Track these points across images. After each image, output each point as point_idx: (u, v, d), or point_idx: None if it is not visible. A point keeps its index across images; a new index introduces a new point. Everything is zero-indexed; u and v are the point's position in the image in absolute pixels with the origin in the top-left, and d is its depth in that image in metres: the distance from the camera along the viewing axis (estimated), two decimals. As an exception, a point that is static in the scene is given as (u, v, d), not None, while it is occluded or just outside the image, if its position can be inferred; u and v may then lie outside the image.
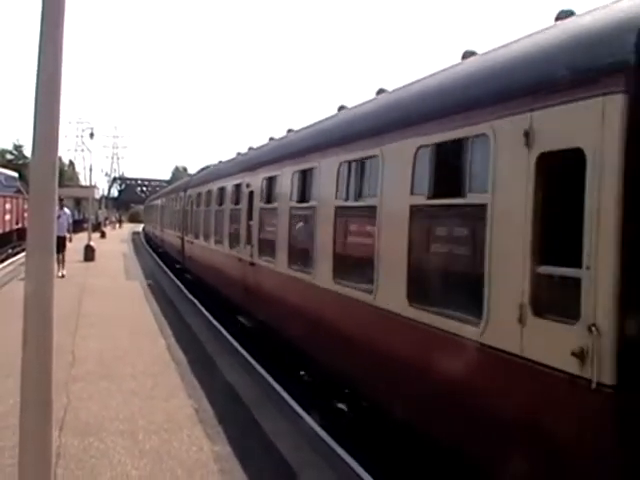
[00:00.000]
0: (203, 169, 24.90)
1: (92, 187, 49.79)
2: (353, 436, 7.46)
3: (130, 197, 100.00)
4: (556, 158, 4.39)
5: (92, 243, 29.25)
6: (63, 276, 20.59)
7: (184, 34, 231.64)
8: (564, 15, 5.18)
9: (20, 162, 71.32)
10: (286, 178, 10.52)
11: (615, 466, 4.00)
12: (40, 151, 3.57)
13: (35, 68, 3.53)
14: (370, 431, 7.39)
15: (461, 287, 5.83)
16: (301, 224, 9.94)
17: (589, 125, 4.09)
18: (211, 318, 14.88)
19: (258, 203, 12.34)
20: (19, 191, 37.20)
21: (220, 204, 16.55)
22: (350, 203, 8.06)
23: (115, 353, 10.75)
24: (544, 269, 4.45)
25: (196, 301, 17.65)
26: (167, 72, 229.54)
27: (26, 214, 31.20)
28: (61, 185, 25.11)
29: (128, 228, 69.92)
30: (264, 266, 11.52)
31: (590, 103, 4.09)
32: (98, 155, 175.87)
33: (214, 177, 18.49)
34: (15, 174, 41.90)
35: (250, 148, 15.90)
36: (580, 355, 4.01)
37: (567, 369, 4.12)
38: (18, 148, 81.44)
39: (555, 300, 4.49)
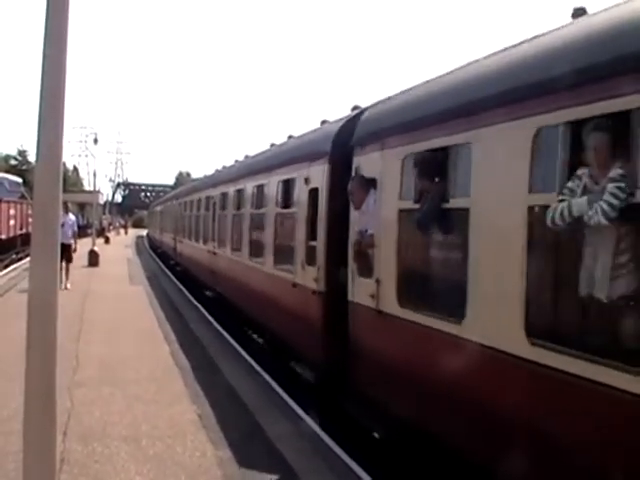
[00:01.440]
0: (194, 180, 33.33)
1: (96, 192, 49.83)
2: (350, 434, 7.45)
3: (134, 202, 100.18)
4: (313, 191, 9.27)
5: (96, 248, 29.31)
6: (67, 289, 18.47)
7: (188, 39, 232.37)
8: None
9: (24, 167, 71.57)
10: (235, 192, 15.57)
11: (320, 323, 8.64)
12: (44, 156, 3.58)
13: (39, 74, 3.54)
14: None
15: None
16: (242, 224, 14.31)
17: (320, 175, 9.01)
18: (198, 305, 16.81)
19: (218, 211, 17.64)
20: (23, 196, 37.32)
21: (198, 211, 22.21)
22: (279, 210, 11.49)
23: (118, 358, 10.76)
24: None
25: (186, 291, 21.49)
26: (171, 77, 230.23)
27: (30, 219, 31.30)
28: (65, 190, 24.77)
29: (132, 233, 70.01)
30: (221, 254, 17.00)
31: (320, 165, 9.05)
32: (102, 160, 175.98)
33: (193, 191, 25.03)
34: (19, 179, 42.07)
35: (223, 167, 21.41)
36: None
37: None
38: (22, 153, 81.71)
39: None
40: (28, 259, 19.83)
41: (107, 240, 49.31)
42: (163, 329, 13.81)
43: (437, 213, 6.00)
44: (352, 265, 7.76)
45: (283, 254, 10.65)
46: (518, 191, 4.77)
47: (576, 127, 4.38)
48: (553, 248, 4.90)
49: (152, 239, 50.95)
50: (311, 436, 7.63)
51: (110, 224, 69.89)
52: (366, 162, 7.67)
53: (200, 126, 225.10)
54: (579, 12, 4.91)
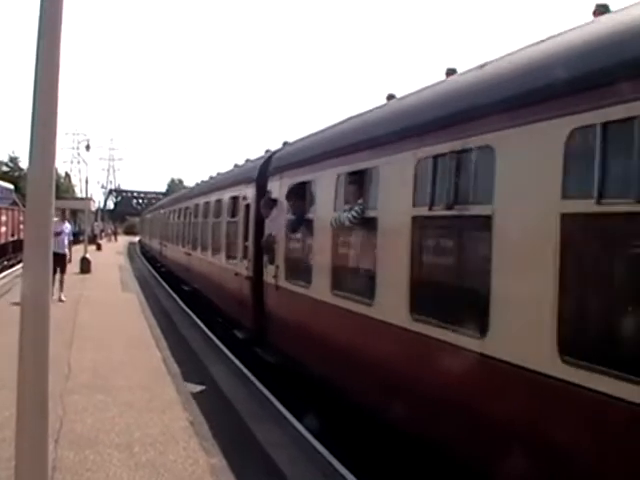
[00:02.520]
0: (184, 188, 39.84)
1: (88, 199, 49.71)
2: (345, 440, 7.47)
3: (126, 209, 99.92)
4: (247, 205, 12.97)
5: (88, 255, 29.24)
6: (62, 300, 17.67)
7: (181, 46, 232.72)
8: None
9: (16, 174, 71.29)
10: (203, 204, 19.51)
11: (250, 299, 11.86)
12: (37, 163, 3.58)
13: (32, 80, 3.54)
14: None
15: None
16: (207, 230, 18.24)
17: (251, 194, 12.55)
18: (189, 312, 17.34)
19: (191, 219, 21.68)
20: (15, 203, 37.21)
21: (177, 219, 26.28)
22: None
23: (110, 365, 10.73)
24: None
25: (177, 297, 22.27)
26: (163, 84, 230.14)
27: (22, 226, 31.22)
28: (57, 197, 24.63)
29: (124, 240, 69.85)
30: (193, 254, 20.72)
31: (251, 187, 12.61)
32: (94, 167, 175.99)
33: (175, 202, 29.84)
34: (11, 186, 41.95)
35: (196, 183, 26.43)
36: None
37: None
38: (14, 160, 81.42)
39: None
40: (20, 266, 19.83)
41: (99, 247, 49.20)
42: (155, 335, 13.80)
43: (299, 222, 9.64)
44: (265, 257, 11.28)
45: (231, 252, 14.53)
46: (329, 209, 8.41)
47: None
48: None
49: (143, 245, 53.47)
50: (297, 438, 7.66)
51: (102, 231, 69.69)
52: (272, 187, 11.32)
53: (192, 133, 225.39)
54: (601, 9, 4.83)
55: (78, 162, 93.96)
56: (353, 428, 7.61)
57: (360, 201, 7.42)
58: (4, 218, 32.14)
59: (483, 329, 5.09)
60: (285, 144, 12.45)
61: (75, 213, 60.80)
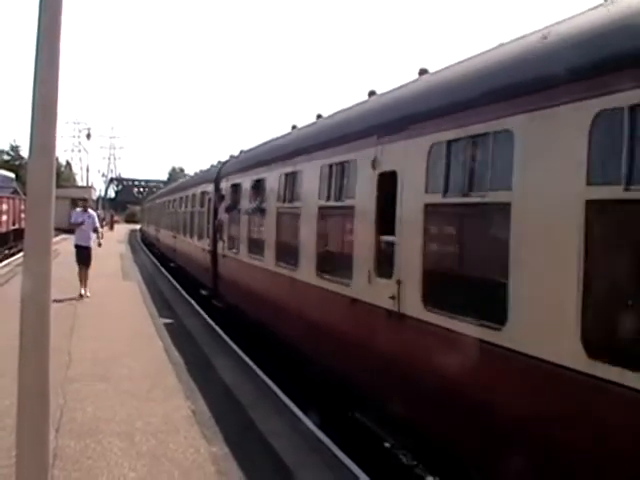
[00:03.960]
0: (182, 178, 43.42)
1: (89, 188, 49.76)
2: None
3: (127, 198, 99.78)
4: (209, 198, 18.70)
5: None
6: (87, 296, 16.51)
7: (182, 34, 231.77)
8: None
9: (17, 163, 71.18)
10: (182, 196, 25.40)
11: (211, 266, 17.11)
12: (37, 152, 3.57)
13: (32, 68, 3.52)
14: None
15: None
16: (185, 218, 23.90)
17: (211, 190, 18.05)
18: (191, 300, 17.97)
19: (177, 209, 26.92)
20: (16, 192, 37.16)
21: (168, 209, 31.09)
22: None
23: (111, 354, 10.73)
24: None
25: (178, 286, 22.80)
26: (164, 72, 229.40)
27: (23, 215, 31.21)
28: (58, 186, 24.31)
29: (124, 228, 69.71)
30: (177, 237, 25.83)
31: (211, 185, 18.05)
32: (95, 156, 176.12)
33: (167, 194, 34.60)
34: (12, 175, 41.87)
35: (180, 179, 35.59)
36: None
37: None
38: (15, 149, 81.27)
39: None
40: (21, 255, 19.88)
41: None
42: (156, 324, 13.81)
43: (234, 210, 14.31)
44: (217, 236, 16.45)
45: (200, 234, 19.68)
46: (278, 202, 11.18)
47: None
48: None
49: (143, 232, 56.34)
50: (305, 431, 7.67)
51: (103, 219, 69.63)
52: (222, 186, 16.43)
53: (194, 121, 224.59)
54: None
55: (79, 151, 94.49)
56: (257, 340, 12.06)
57: (259, 198, 12.24)
58: (5, 207, 32.10)
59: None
60: (231, 156, 18.18)
61: (76, 202, 60.89)
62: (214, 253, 16.79)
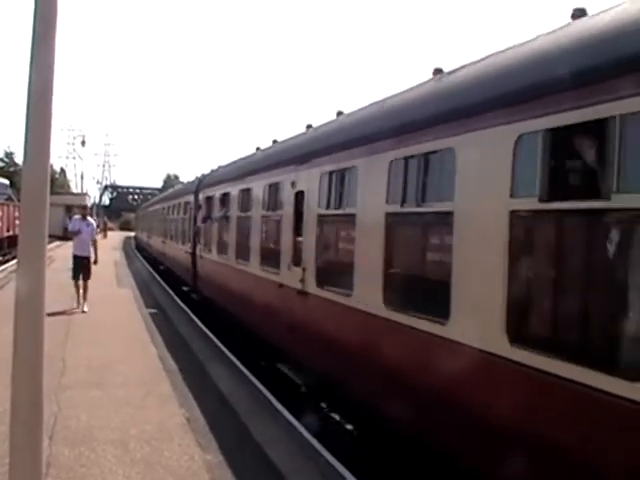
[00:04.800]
0: (176, 185, 41.72)
1: (83, 195, 49.66)
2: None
3: (122, 205, 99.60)
4: (190, 207, 21.83)
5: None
6: (84, 312, 15.34)
7: (176, 41, 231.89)
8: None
9: (11, 169, 71.06)
10: (169, 206, 28.56)
11: (191, 266, 20.04)
12: (32, 158, 3.57)
13: (27, 75, 3.53)
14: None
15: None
16: (172, 225, 27.03)
17: (192, 200, 21.16)
18: (185, 308, 16.91)
19: (165, 217, 29.89)
20: (10, 198, 37.08)
21: (158, 217, 34.03)
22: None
23: (106, 361, 10.69)
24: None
25: (172, 293, 22.87)
26: (159, 79, 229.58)
27: (17, 221, 31.13)
28: (52, 192, 24.11)
29: (120, 236, 69.56)
30: (166, 242, 28.65)
31: (192, 195, 21.29)
32: (89, 163, 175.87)
33: (157, 202, 39.01)
34: (6, 181, 41.78)
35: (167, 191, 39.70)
36: None
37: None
38: (9, 155, 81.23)
39: None
40: (15, 261, 19.84)
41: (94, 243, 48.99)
42: (150, 331, 13.78)
43: (208, 218, 17.08)
44: (197, 240, 19.17)
45: (183, 239, 23.05)
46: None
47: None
48: None
49: (137, 239, 57.45)
50: (298, 439, 7.65)
51: (98, 226, 69.51)
52: (200, 197, 19.16)
53: (188, 128, 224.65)
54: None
55: (73, 158, 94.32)
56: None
57: (225, 208, 15.28)
58: (-1, 213, 32.05)
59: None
60: (211, 170, 20.90)
61: (70, 209, 60.78)
62: (194, 255, 19.52)
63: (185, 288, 21.46)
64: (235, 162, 16.82)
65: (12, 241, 31.71)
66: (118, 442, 7.05)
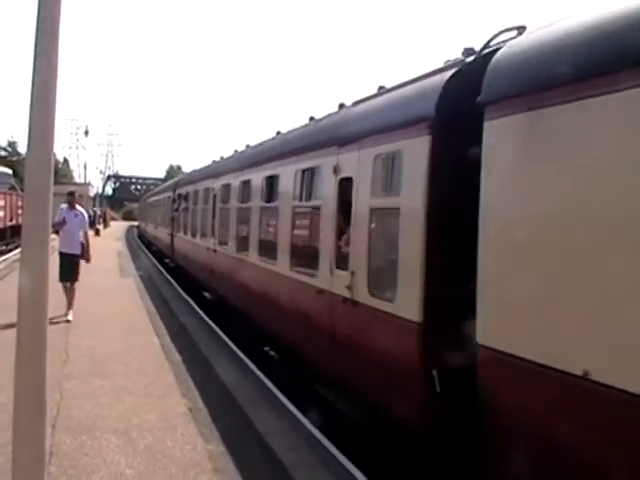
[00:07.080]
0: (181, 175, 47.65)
1: (86, 185, 49.66)
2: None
3: (124, 195, 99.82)
4: (173, 201, 28.09)
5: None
6: (68, 321, 12.75)
7: (180, 31, 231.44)
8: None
9: (14, 159, 71.04)
10: (163, 198, 34.02)
11: (170, 243, 27.59)
12: (35, 148, 3.57)
13: (31, 65, 3.52)
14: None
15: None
16: (160, 214, 34.63)
17: (173, 194, 29.04)
18: (188, 299, 16.96)
19: (156, 207, 37.76)
20: (13, 188, 37.15)
21: (153, 207, 40.40)
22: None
23: (108, 350, 10.73)
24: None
25: (175, 284, 22.32)
26: (162, 70, 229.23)
27: (20, 211, 31.19)
28: (55, 182, 24.02)
29: (122, 226, 69.61)
30: (157, 228, 35.42)
31: (171, 191, 29.85)
32: (93, 153, 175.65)
33: (152, 196, 45.55)
34: (9, 171, 41.88)
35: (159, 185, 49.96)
36: None
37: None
38: (12, 145, 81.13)
39: None
40: (18, 251, 19.84)
41: (97, 232, 49.12)
42: (153, 321, 13.81)
43: (181, 209, 24.24)
44: (174, 224, 25.95)
45: (165, 224, 29.56)
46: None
47: None
48: None
49: (140, 229, 57.84)
50: (302, 430, 7.67)
51: (100, 216, 69.54)
52: (176, 193, 25.98)
53: (191, 119, 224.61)
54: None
55: (77, 148, 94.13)
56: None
57: (186, 203, 22.83)
58: (2, 203, 32.14)
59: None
60: (192, 170, 27.36)
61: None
62: (172, 235, 26.34)
63: (166, 260, 28.61)
64: (201, 169, 23.14)
65: (15, 230, 31.78)
66: (121, 431, 7.08)
